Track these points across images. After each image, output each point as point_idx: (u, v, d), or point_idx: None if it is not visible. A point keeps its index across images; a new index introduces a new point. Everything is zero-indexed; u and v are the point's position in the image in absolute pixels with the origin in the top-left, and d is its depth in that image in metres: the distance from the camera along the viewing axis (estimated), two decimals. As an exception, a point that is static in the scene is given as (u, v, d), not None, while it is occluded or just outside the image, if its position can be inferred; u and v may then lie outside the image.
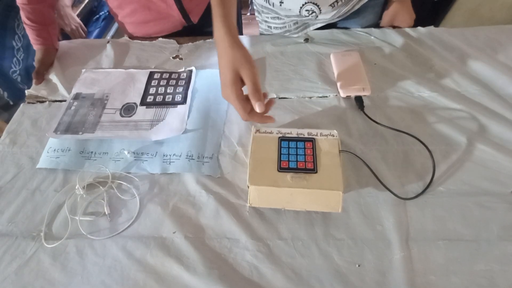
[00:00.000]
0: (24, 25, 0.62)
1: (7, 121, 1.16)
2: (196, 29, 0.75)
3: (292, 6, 0.60)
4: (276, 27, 0.68)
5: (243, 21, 1.10)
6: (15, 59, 0.97)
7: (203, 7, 0.76)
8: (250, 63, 0.41)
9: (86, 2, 1.30)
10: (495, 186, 0.45)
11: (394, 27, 0.68)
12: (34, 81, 0.62)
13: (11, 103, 1.11)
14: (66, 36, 0.92)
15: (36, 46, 0.64)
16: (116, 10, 0.72)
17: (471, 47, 0.61)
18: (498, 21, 1.11)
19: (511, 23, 0.67)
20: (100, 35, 1.41)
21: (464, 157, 0.48)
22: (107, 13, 1.43)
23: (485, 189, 0.45)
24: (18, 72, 0.99)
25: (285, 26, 0.67)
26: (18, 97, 1.07)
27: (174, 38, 0.69)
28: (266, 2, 0.63)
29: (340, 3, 0.59)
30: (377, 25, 0.73)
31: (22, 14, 0.62)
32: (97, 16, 1.40)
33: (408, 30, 0.66)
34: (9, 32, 0.95)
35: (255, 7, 0.71)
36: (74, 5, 1.14)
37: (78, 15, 1.02)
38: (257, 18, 0.73)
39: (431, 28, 0.66)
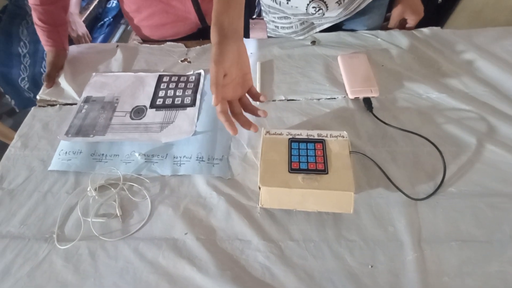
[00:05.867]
0: (35, 26, 0.63)
1: (12, 127, 1.17)
2: (204, 42, 0.77)
3: (299, 3, 0.60)
4: (283, 27, 0.69)
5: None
6: (22, 66, 0.99)
7: None
8: (213, 62, 0.40)
9: (91, 9, 1.32)
10: (506, 187, 0.45)
11: (402, 26, 0.68)
12: (45, 84, 0.63)
13: (17, 110, 1.12)
14: (71, 42, 0.93)
15: (47, 47, 0.65)
16: (133, 14, 0.73)
17: (478, 48, 0.61)
18: (501, 22, 1.12)
19: (514, 24, 0.67)
20: (105, 41, 1.43)
21: (474, 158, 0.48)
22: (112, 20, 1.45)
23: (496, 190, 0.44)
24: (26, 79, 1.00)
25: (292, 26, 0.68)
26: (25, 104, 1.09)
27: (182, 42, 0.70)
28: (273, 1, 0.64)
29: (346, 0, 0.59)
30: (382, 26, 0.73)
31: (34, 15, 0.62)
32: (102, 22, 1.42)
33: (414, 31, 0.66)
34: (15, 40, 0.97)
35: (262, 8, 0.71)
36: (80, 12, 1.16)
37: (83, 22, 1.04)
38: (264, 19, 0.74)
39: (437, 29, 0.66)
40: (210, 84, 0.40)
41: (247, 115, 0.44)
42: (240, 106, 0.45)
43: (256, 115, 0.44)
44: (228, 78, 0.41)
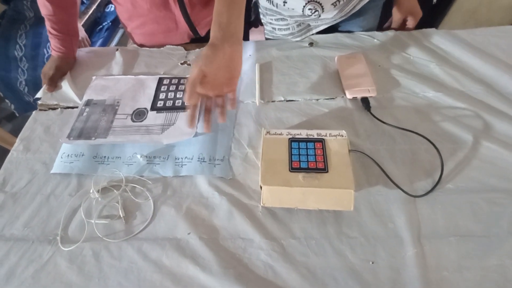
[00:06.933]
0: (49, 34, 0.65)
1: (11, 132, 1.17)
2: (203, 41, 0.77)
3: (296, 5, 0.61)
4: (280, 29, 0.70)
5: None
6: (19, 69, 0.99)
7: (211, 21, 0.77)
8: (193, 63, 0.43)
9: (90, 13, 1.33)
10: (503, 182, 0.45)
11: (402, 27, 0.70)
12: (46, 87, 0.63)
13: (17, 114, 1.12)
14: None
15: (57, 53, 0.66)
16: (125, 22, 0.74)
17: (472, 48, 0.62)
18: (495, 22, 1.14)
19: (508, 24, 0.69)
20: (104, 45, 1.44)
21: (471, 155, 0.48)
22: (110, 24, 1.46)
23: (493, 185, 0.45)
24: (24, 82, 1.01)
25: (289, 28, 0.69)
26: (24, 108, 1.09)
27: (181, 45, 0.70)
28: (270, 3, 0.65)
29: (342, 2, 0.61)
30: (378, 27, 0.75)
31: (47, 24, 0.64)
32: (101, 26, 1.43)
33: (410, 32, 0.67)
34: (12, 43, 0.97)
35: (260, 10, 0.72)
36: (78, 16, 1.17)
37: (82, 26, 1.04)
38: (262, 20, 0.75)
39: (432, 30, 0.67)
40: (189, 83, 0.41)
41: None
42: (215, 102, 0.46)
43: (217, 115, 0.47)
44: (210, 78, 0.42)
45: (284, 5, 0.62)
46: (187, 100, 0.45)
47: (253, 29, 0.93)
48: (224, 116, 0.48)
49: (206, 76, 0.42)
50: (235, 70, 0.45)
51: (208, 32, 0.77)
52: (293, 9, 0.62)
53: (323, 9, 0.60)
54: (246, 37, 0.94)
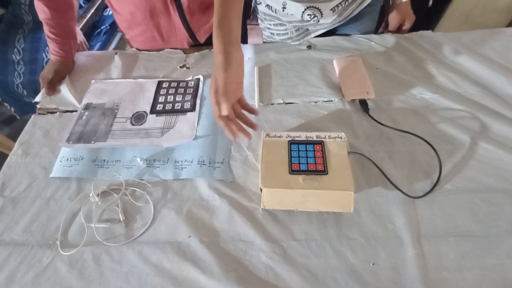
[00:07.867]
0: (47, 38, 0.65)
1: (9, 136, 1.16)
2: (202, 48, 0.77)
3: (295, 11, 0.62)
4: (279, 34, 0.70)
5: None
6: (16, 72, 0.99)
7: (211, 28, 0.77)
8: (224, 69, 0.42)
9: (88, 17, 1.33)
10: (500, 182, 0.46)
11: (398, 29, 0.71)
12: (45, 91, 0.63)
13: (18, 117, 1.12)
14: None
15: (56, 57, 0.66)
16: (125, 30, 0.75)
17: (468, 50, 0.63)
18: (490, 25, 1.15)
19: (502, 26, 0.70)
20: (102, 49, 1.43)
21: (469, 156, 0.49)
22: (108, 28, 1.47)
23: (491, 185, 0.46)
24: (20, 86, 1.00)
25: (287, 33, 0.69)
26: (25, 111, 1.09)
27: (180, 48, 0.71)
28: (269, 9, 0.66)
29: (340, 7, 0.61)
30: (375, 31, 0.76)
31: (46, 28, 0.64)
32: (99, 30, 1.43)
33: (406, 35, 0.68)
34: (10, 47, 0.97)
35: (258, 15, 0.73)
36: (77, 20, 1.17)
37: (80, 30, 1.04)
38: (260, 25, 0.75)
39: (428, 32, 0.68)
40: (220, 93, 0.41)
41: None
42: (233, 112, 0.45)
43: (248, 126, 0.46)
44: (223, 87, 0.42)
45: (283, 10, 0.63)
46: (225, 112, 0.42)
47: (251, 33, 0.94)
48: (254, 125, 0.46)
49: (219, 84, 0.42)
50: (242, 74, 0.45)
51: (208, 39, 0.78)
52: (292, 14, 0.63)
53: (322, 14, 0.61)
54: (244, 41, 0.95)
